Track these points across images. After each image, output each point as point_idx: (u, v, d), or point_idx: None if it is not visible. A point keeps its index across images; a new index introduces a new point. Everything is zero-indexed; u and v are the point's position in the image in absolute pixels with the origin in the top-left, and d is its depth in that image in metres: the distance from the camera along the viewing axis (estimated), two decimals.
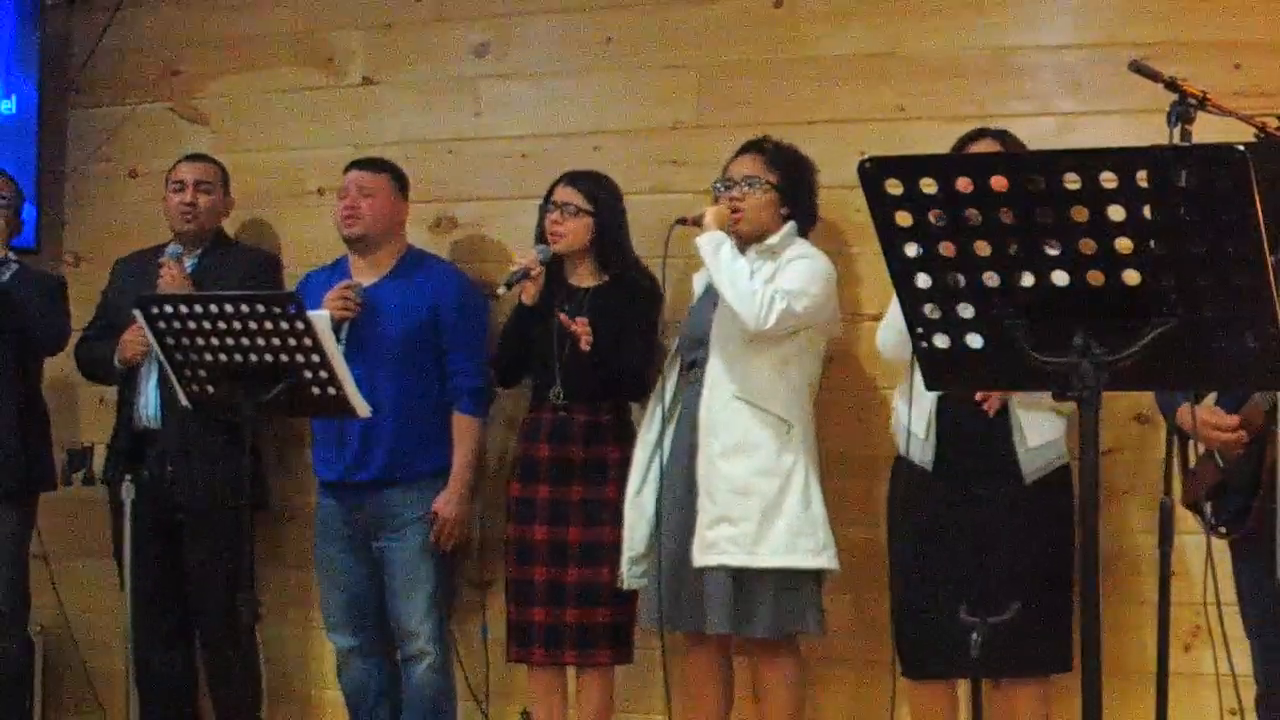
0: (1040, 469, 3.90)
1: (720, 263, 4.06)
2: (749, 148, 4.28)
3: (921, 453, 3.96)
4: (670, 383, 4.27)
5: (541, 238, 4.47)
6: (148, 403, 4.74)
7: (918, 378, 3.82)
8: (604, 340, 4.32)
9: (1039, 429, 3.91)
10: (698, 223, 4.15)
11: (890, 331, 3.94)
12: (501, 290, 4.42)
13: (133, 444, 4.77)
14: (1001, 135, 4.03)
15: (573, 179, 4.48)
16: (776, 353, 4.12)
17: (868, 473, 4.45)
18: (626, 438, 4.39)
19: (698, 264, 4.32)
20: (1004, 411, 3.91)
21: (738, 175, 4.23)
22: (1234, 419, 3.41)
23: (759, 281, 4.04)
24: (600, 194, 4.46)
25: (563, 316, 4.30)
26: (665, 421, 4.26)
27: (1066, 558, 3.89)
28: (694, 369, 4.22)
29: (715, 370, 4.14)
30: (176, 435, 4.67)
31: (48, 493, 4.90)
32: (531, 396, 4.54)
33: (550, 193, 4.48)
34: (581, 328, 4.27)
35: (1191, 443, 3.59)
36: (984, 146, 3.99)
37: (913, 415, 3.94)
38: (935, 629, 3.88)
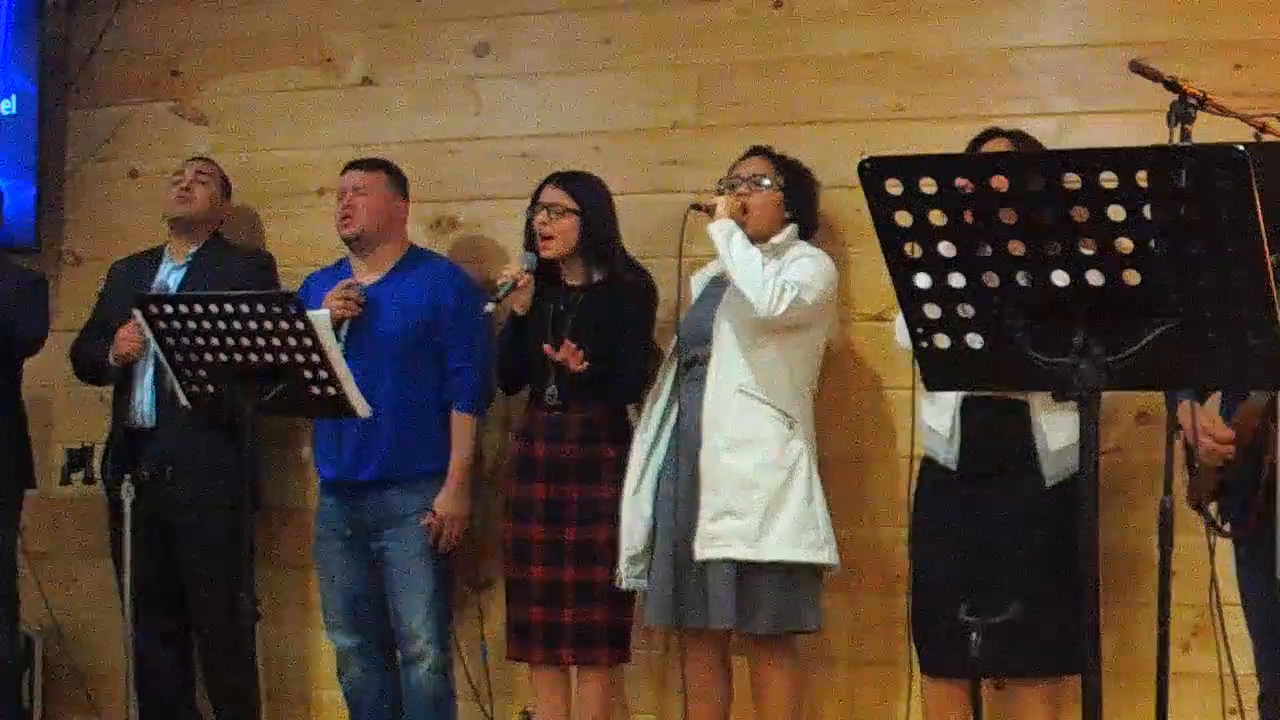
0: (1062, 472, 3.87)
1: (733, 250, 4.09)
2: (756, 151, 4.32)
3: (945, 451, 3.97)
4: (668, 381, 4.29)
5: (530, 241, 4.47)
6: (142, 401, 4.75)
7: None
8: (598, 341, 4.33)
9: (1061, 431, 3.87)
10: (710, 210, 4.17)
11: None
12: (490, 307, 4.37)
13: (128, 443, 4.77)
14: (1013, 135, 4.03)
15: (559, 180, 4.47)
16: (780, 348, 4.14)
17: (862, 472, 4.45)
18: (622, 437, 4.38)
19: (700, 261, 4.34)
20: (1026, 413, 3.92)
21: (746, 174, 4.26)
22: (1229, 433, 3.40)
23: (770, 271, 4.07)
24: (586, 193, 4.45)
25: (547, 348, 4.30)
26: (663, 420, 4.27)
27: (1073, 564, 3.89)
28: (694, 366, 4.23)
29: (719, 364, 4.15)
30: (171, 434, 4.67)
31: (37, 492, 4.90)
32: (528, 396, 4.54)
33: (536, 195, 4.48)
34: (568, 352, 4.27)
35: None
36: (996, 147, 3.99)
37: (936, 413, 3.95)
38: (952, 628, 3.89)
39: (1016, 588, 3.75)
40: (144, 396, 4.74)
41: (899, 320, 3.99)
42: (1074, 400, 2.37)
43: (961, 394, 3.85)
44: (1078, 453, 3.85)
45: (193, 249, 4.89)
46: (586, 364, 4.27)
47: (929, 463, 4.05)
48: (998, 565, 3.85)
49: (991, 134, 4.06)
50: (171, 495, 4.67)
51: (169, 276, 4.86)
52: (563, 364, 4.28)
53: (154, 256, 4.95)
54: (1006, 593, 3.73)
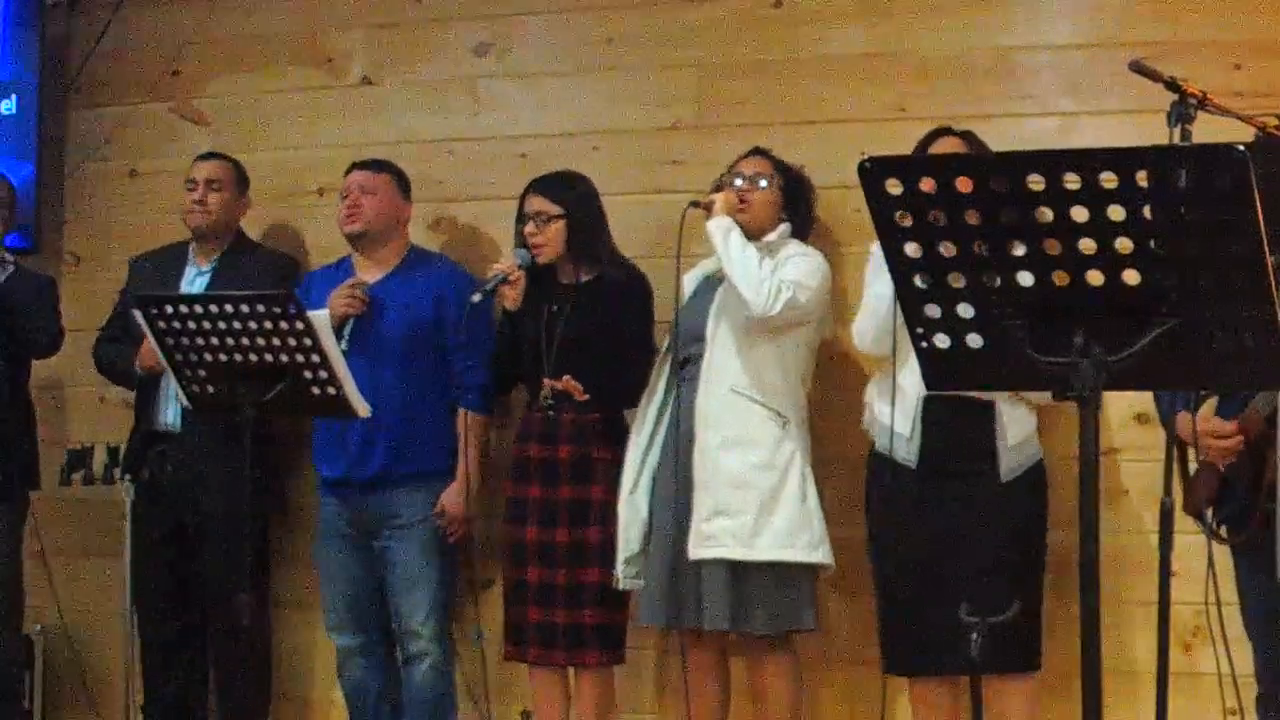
0: (1018, 467, 3.96)
1: (731, 248, 4.10)
2: (757, 151, 4.35)
3: (905, 450, 3.99)
4: (662, 380, 4.29)
5: (521, 246, 4.47)
6: (167, 408, 4.74)
7: (905, 375, 3.89)
8: (594, 341, 4.35)
9: (1018, 425, 3.97)
10: (708, 207, 4.18)
11: (870, 319, 3.98)
12: (477, 297, 4.37)
13: (148, 446, 4.77)
14: (963, 135, 4.07)
15: (540, 186, 4.47)
16: (774, 347, 4.15)
17: (860, 471, 4.44)
18: (614, 438, 4.38)
19: (692, 262, 4.35)
20: (989, 408, 3.92)
21: (747, 171, 4.27)
22: (1231, 426, 3.41)
23: (766, 270, 4.07)
24: (568, 194, 4.45)
25: (548, 381, 4.33)
26: (658, 419, 4.27)
27: (1038, 557, 3.96)
28: (688, 365, 4.23)
29: (712, 364, 4.16)
30: (193, 440, 4.68)
31: (40, 492, 4.91)
32: (527, 398, 4.54)
33: (521, 204, 4.48)
34: (569, 386, 4.29)
35: (1191, 450, 3.59)
36: (946, 145, 4.02)
37: (896, 413, 3.97)
38: (917, 626, 3.92)
39: (979, 587, 3.78)
40: (168, 404, 4.73)
41: (860, 314, 4.03)
42: (1063, 400, 2.36)
43: (923, 393, 3.86)
44: (1032, 446, 3.98)
45: (217, 254, 4.89)
46: (586, 396, 4.29)
47: (880, 460, 4.06)
48: (958, 565, 3.89)
49: (941, 133, 4.09)
50: (195, 499, 4.67)
51: (194, 283, 4.87)
52: (566, 392, 4.30)
53: (178, 254, 4.94)
54: (973, 593, 3.76)
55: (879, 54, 4.62)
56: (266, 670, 4.92)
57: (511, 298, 4.40)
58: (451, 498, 4.58)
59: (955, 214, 2.32)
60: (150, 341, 3.95)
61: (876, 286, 3.95)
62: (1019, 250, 2.31)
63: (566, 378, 4.31)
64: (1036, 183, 2.24)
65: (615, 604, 4.34)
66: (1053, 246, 2.28)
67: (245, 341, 3.70)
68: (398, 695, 4.69)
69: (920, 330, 2.46)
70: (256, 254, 4.98)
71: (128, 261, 5.05)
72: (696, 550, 4.10)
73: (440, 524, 4.57)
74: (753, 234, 4.20)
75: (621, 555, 4.26)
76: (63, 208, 5.50)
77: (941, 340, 2.45)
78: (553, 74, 4.99)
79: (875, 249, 3.94)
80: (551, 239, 4.42)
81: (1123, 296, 2.27)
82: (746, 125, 4.62)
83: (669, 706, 4.65)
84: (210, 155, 4.99)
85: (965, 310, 2.40)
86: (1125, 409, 4.28)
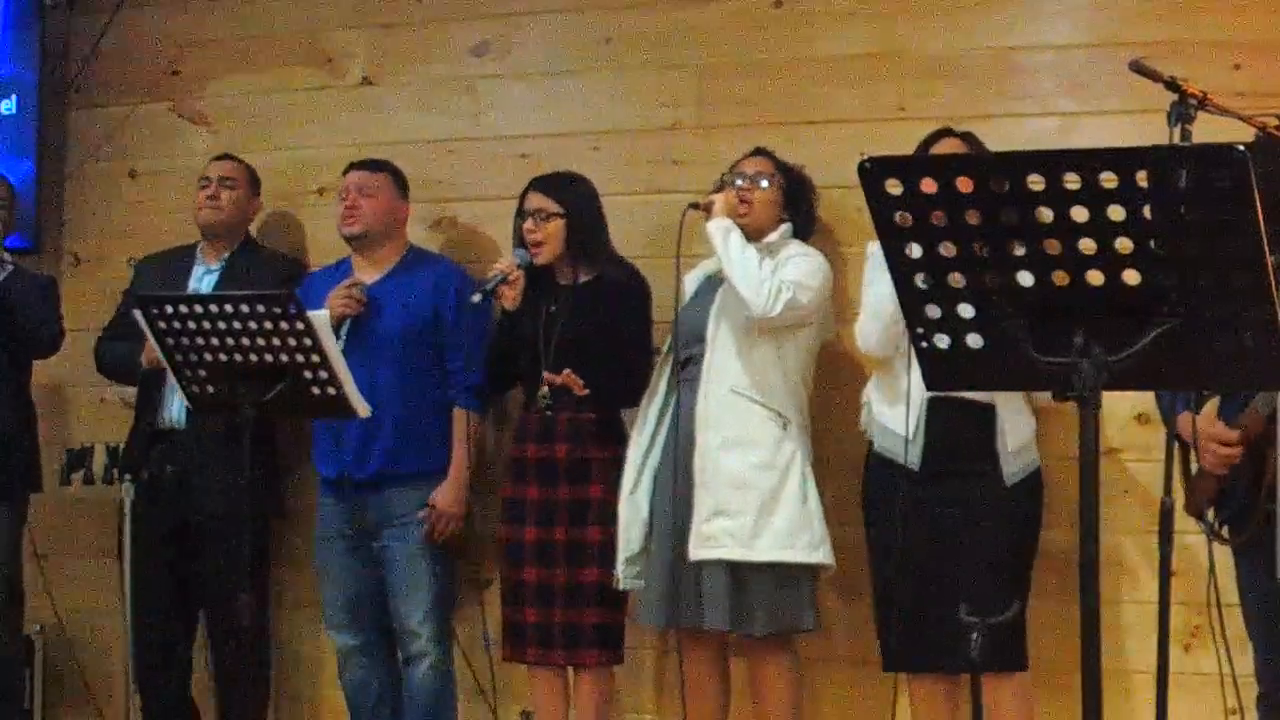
0: (1019, 471, 3.97)
1: (730, 249, 4.10)
2: (759, 151, 4.35)
3: (909, 453, 3.99)
4: (663, 380, 4.29)
5: (521, 243, 4.47)
6: (172, 405, 4.74)
7: (912, 379, 3.89)
8: (593, 341, 4.34)
9: (1018, 431, 3.99)
10: (708, 209, 4.18)
11: (875, 321, 3.98)
12: (476, 298, 4.36)
13: (151, 444, 4.77)
14: (964, 135, 4.07)
15: (540, 185, 4.47)
16: (774, 348, 4.15)
17: (862, 472, 4.45)
18: (611, 437, 4.39)
19: (692, 262, 4.35)
20: (990, 410, 3.93)
21: (749, 171, 4.27)
22: (1235, 434, 3.41)
23: (767, 270, 4.07)
24: (569, 194, 4.45)
25: (548, 375, 4.33)
26: (659, 419, 4.27)
27: (1031, 559, 3.98)
28: (689, 365, 4.24)
29: (713, 364, 4.16)
30: (196, 438, 4.67)
31: (37, 493, 4.91)
32: (524, 398, 4.55)
33: (521, 202, 4.48)
34: (569, 380, 4.29)
35: (1192, 450, 3.59)
36: (947, 146, 4.03)
37: (897, 415, 3.98)
38: (917, 625, 3.93)
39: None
40: (172, 401, 4.72)
41: (864, 315, 4.04)
42: (1063, 400, 2.36)
43: (927, 395, 3.86)
44: (1031, 452, 3.99)
45: (226, 253, 4.89)
46: (587, 391, 4.29)
47: (881, 460, 4.07)
48: (958, 566, 3.89)
49: (942, 134, 4.10)
50: (196, 498, 4.67)
51: (202, 280, 4.87)
52: (565, 387, 4.29)
53: (185, 256, 4.94)
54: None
55: (879, 54, 4.62)
56: (266, 670, 4.92)
57: (510, 298, 4.40)
58: (444, 495, 4.58)
59: (955, 214, 2.32)
60: (150, 342, 3.95)
61: (877, 286, 3.95)
62: (1019, 250, 2.31)
63: (567, 371, 4.30)
64: (1036, 183, 2.24)
65: (614, 604, 4.34)
66: (1053, 246, 2.28)
67: (245, 341, 3.69)
68: (398, 695, 4.69)
69: (920, 330, 2.46)
70: (264, 255, 4.98)
71: (134, 263, 5.06)
72: (697, 551, 4.10)
73: (425, 517, 4.56)
74: (754, 234, 4.21)
75: (622, 555, 4.26)
76: (63, 208, 5.50)
77: (942, 340, 2.45)
78: (553, 74, 4.99)
79: (873, 248, 3.94)
80: (550, 237, 4.42)
81: (1123, 296, 2.27)
82: (746, 125, 4.62)
83: (669, 706, 4.65)
84: (225, 156, 5.00)
85: (965, 310, 2.40)
86: (1125, 409, 4.28)
